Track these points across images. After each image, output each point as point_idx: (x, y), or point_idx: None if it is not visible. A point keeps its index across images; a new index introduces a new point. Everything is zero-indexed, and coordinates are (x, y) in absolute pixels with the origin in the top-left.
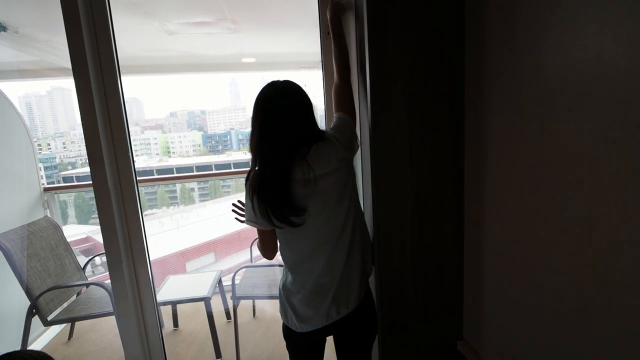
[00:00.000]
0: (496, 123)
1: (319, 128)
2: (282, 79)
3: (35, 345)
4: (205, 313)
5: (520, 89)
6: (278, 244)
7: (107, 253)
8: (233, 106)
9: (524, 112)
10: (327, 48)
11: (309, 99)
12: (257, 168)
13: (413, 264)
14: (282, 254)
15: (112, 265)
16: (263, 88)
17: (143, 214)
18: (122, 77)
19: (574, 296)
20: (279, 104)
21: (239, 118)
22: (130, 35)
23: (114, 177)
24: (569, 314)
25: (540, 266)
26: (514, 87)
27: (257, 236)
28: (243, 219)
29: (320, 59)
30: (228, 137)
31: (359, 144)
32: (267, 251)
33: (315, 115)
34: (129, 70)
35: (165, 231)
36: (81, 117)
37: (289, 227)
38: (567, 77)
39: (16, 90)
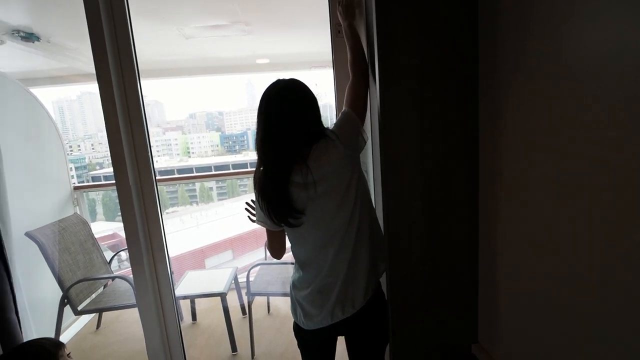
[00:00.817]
0: (511, 118)
1: (322, 126)
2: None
3: (67, 333)
4: (222, 308)
5: (536, 85)
6: (288, 243)
7: (129, 248)
8: (249, 107)
9: (539, 107)
10: (338, 47)
11: (313, 96)
12: (261, 168)
13: (424, 264)
14: (292, 251)
15: (134, 260)
16: (268, 87)
17: (165, 212)
18: (143, 81)
19: (603, 299)
20: (281, 103)
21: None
22: (149, 41)
23: (135, 177)
24: (596, 319)
25: (562, 266)
26: (529, 84)
27: None
28: (254, 218)
29: (332, 58)
30: (245, 137)
31: (365, 139)
32: (275, 250)
33: (319, 113)
34: (149, 74)
35: (185, 229)
36: (105, 120)
37: (288, 227)
38: (586, 69)
39: (50, 95)
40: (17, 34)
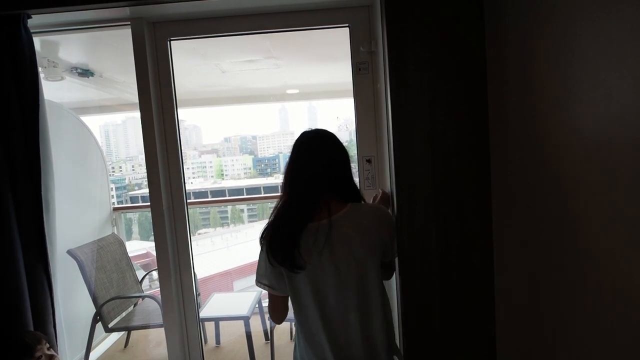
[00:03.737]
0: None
1: (355, 185)
2: (317, 127)
3: (96, 350)
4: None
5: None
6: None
7: (159, 268)
8: (282, 131)
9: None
10: (358, 83)
11: (343, 148)
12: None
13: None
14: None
15: (163, 280)
16: (301, 134)
17: (197, 233)
18: (184, 109)
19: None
20: (309, 146)
21: (287, 142)
22: (190, 74)
23: (167, 199)
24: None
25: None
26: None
27: None
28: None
29: (352, 93)
30: (276, 160)
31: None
32: (276, 315)
33: (350, 166)
34: (190, 103)
35: (215, 250)
36: (144, 147)
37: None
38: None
39: (98, 120)
40: (75, 71)
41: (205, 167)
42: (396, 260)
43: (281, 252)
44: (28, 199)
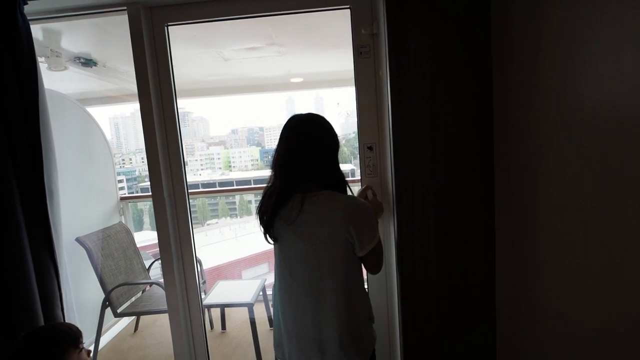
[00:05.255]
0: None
1: (340, 173)
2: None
3: (107, 335)
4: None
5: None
6: None
7: (162, 256)
8: None
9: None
10: (360, 67)
11: (334, 138)
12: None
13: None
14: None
15: (165, 268)
16: (296, 115)
17: (205, 224)
18: (190, 99)
19: None
20: (297, 130)
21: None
22: (193, 63)
23: (169, 187)
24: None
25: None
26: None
27: None
28: None
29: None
30: None
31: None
32: None
33: (336, 155)
34: (196, 93)
35: (224, 240)
36: (143, 132)
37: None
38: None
39: (107, 113)
40: (78, 61)
41: (213, 159)
42: (394, 263)
43: (265, 223)
44: (31, 188)
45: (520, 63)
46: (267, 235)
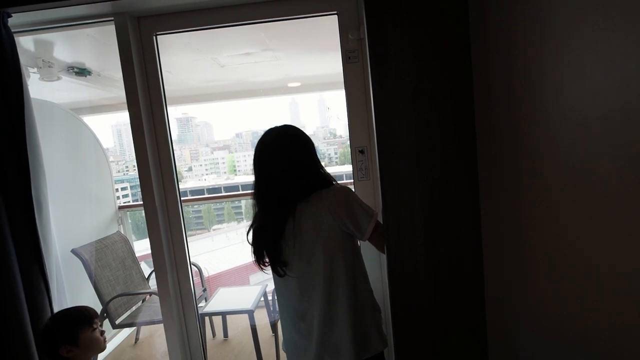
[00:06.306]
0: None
1: (322, 174)
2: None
3: (108, 345)
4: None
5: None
6: None
7: (155, 266)
8: (292, 124)
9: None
10: (348, 72)
11: (305, 143)
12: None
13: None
14: None
15: (159, 278)
16: (261, 135)
17: (211, 229)
18: (191, 106)
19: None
20: (268, 154)
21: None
22: (191, 69)
23: (160, 195)
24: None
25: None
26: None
27: None
28: None
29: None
30: None
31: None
32: None
33: (314, 159)
34: (196, 99)
35: (230, 245)
36: (133, 141)
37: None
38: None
39: (110, 120)
40: (71, 70)
41: (218, 163)
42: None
43: (272, 259)
44: (18, 200)
45: (498, 64)
46: (278, 268)
